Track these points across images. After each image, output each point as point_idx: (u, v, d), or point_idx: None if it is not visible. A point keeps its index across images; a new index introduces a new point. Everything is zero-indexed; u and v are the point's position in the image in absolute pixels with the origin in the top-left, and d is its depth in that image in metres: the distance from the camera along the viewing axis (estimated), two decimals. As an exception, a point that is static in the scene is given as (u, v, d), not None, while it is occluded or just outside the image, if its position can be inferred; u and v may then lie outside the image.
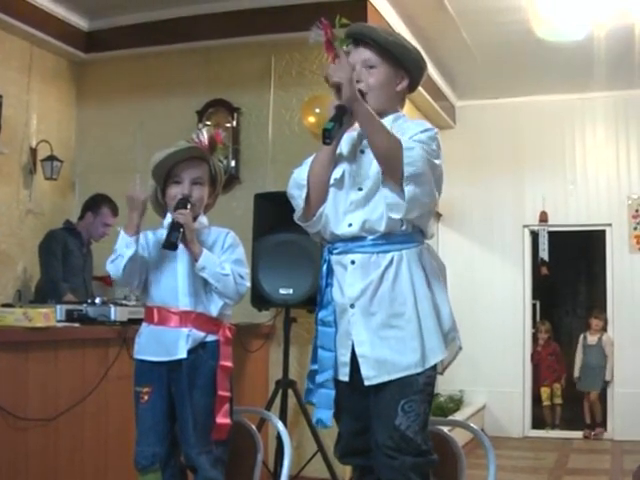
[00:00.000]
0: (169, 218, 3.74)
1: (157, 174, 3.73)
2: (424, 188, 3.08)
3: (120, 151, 7.81)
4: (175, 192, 3.70)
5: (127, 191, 3.73)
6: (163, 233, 3.68)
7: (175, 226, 3.58)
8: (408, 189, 3.04)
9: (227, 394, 3.67)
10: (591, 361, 10.09)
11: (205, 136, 3.78)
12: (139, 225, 3.68)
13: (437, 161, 3.16)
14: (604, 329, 10.10)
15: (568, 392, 10.62)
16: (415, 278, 3.17)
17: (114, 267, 3.65)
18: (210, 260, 3.64)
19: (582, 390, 10.18)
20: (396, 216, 3.11)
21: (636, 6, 7.24)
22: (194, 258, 3.64)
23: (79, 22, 7.68)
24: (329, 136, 3.10)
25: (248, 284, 3.80)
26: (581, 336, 10.41)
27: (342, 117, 3.15)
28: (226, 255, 3.74)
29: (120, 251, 3.63)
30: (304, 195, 3.28)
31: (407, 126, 3.25)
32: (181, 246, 3.63)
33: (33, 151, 7.38)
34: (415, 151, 3.05)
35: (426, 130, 3.20)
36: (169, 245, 3.57)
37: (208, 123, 7.36)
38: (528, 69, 9.11)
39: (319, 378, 3.25)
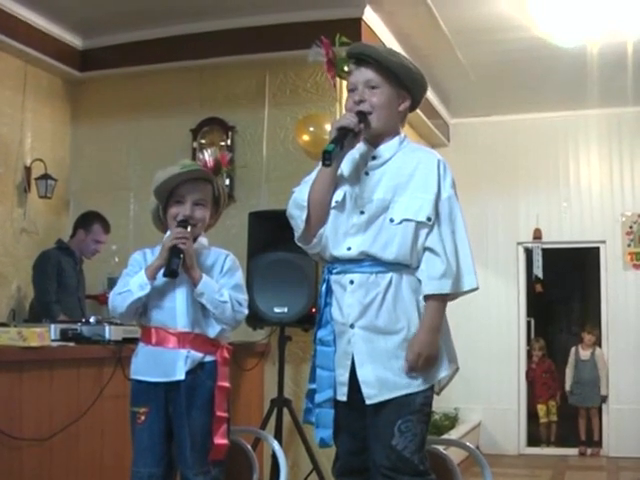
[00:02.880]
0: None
1: (159, 193, 3.70)
2: (459, 269, 3.26)
3: (114, 170, 7.81)
4: (176, 212, 3.67)
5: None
6: None
7: (175, 252, 3.56)
8: (467, 282, 3.31)
9: (225, 414, 3.65)
10: (584, 376, 10.07)
11: (210, 158, 3.77)
12: (158, 272, 3.64)
13: (460, 215, 3.27)
14: (597, 344, 10.11)
15: (563, 409, 10.61)
16: (417, 299, 3.18)
17: (120, 300, 3.62)
18: (209, 286, 3.62)
19: (576, 405, 10.16)
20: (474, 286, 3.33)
21: (627, 25, 7.28)
22: (193, 283, 3.61)
23: (74, 41, 7.68)
24: (329, 158, 3.10)
25: (246, 311, 3.76)
26: (572, 349, 10.40)
27: (344, 139, 3.15)
28: (225, 279, 3.71)
29: (132, 287, 3.60)
30: (304, 216, 3.28)
31: (417, 160, 3.27)
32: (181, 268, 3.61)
33: (27, 170, 7.36)
34: (443, 276, 3.18)
35: (443, 175, 3.26)
36: (170, 273, 3.55)
37: (203, 141, 7.37)
38: (522, 87, 9.14)
39: (318, 398, 3.24)
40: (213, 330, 3.67)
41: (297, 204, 3.32)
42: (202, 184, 3.73)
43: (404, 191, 3.19)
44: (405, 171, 3.22)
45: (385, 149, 3.28)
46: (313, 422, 3.29)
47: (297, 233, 3.34)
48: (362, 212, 3.21)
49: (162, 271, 3.58)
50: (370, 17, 7.03)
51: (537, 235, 10.18)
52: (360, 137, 3.25)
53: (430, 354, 3.13)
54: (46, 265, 6.70)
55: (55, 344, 4.68)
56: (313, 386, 3.30)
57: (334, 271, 3.26)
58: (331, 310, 3.27)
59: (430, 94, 9.06)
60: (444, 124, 10.27)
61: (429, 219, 3.16)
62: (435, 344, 3.16)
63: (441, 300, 3.18)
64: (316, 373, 3.28)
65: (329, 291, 3.28)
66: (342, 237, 3.23)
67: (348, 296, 3.20)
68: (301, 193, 3.32)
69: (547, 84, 8.93)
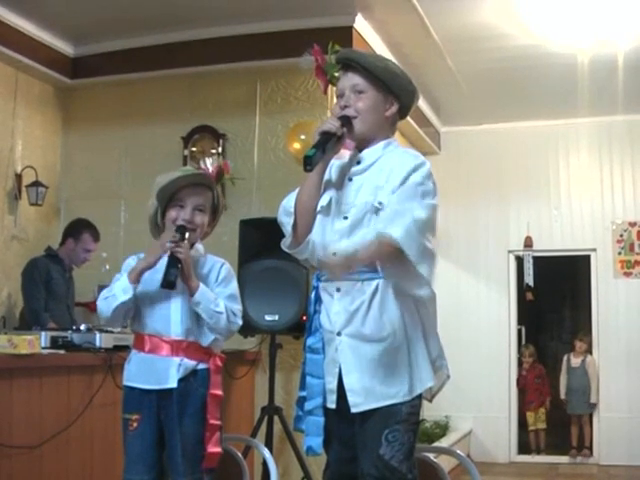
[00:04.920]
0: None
1: (161, 196, 3.69)
2: (428, 250, 3.07)
3: (105, 177, 7.81)
4: (176, 215, 3.67)
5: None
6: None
7: (173, 262, 3.53)
8: (423, 268, 3.05)
9: (218, 422, 3.64)
10: (575, 383, 10.08)
11: (213, 165, 3.77)
12: (142, 275, 3.62)
13: (433, 201, 3.14)
14: (588, 351, 10.11)
15: (553, 416, 10.61)
16: (404, 306, 3.16)
17: (105, 305, 3.61)
18: (206, 296, 3.61)
19: (568, 412, 10.16)
20: (425, 293, 3.12)
21: (618, 35, 7.31)
22: (190, 292, 3.60)
23: (65, 48, 7.68)
24: (310, 163, 3.11)
25: (240, 322, 3.76)
26: (565, 357, 10.41)
27: (325, 144, 3.15)
28: (220, 288, 3.71)
29: (116, 292, 3.59)
30: (292, 222, 3.28)
31: (397, 159, 3.24)
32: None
33: (18, 177, 7.36)
34: (406, 231, 3.02)
35: (419, 167, 3.16)
36: (167, 285, 3.51)
37: (193, 149, 7.37)
38: (512, 95, 9.17)
39: (308, 405, 3.24)
40: (206, 339, 3.67)
41: (285, 211, 3.32)
42: (203, 190, 3.74)
43: (382, 191, 3.16)
44: (385, 172, 3.20)
45: (368, 154, 3.27)
46: (303, 430, 3.28)
47: (286, 240, 3.34)
48: (345, 217, 3.20)
49: (160, 282, 3.54)
50: (361, 25, 7.04)
51: (528, 243, 10.19)
52: (343, 142, 3.25)
53: (348, 262, 3.08)
54: (34, 273, 6.69)
55: (45, 352, 4.67)
56: (303, 394, 3.29)
57: (322, 278, 3.27)
58: (320, 318, 3.27)
59: (421, 102, 9.06)
60: (435, 132, 10.29)
61: (380, 203, 3.13)
62: (354, 260, 3.07)
63: (385, 244, 3.06)
64: (306, 381, 3.27)
65: (318, 298, 3.29)
66: (328, 243, 3.22)
67: (335, 304, 3.20)
68: (289, 200, 3.33)
69: (538, 93, 8.96)
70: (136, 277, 3.60)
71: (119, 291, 3.59)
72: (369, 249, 3.08)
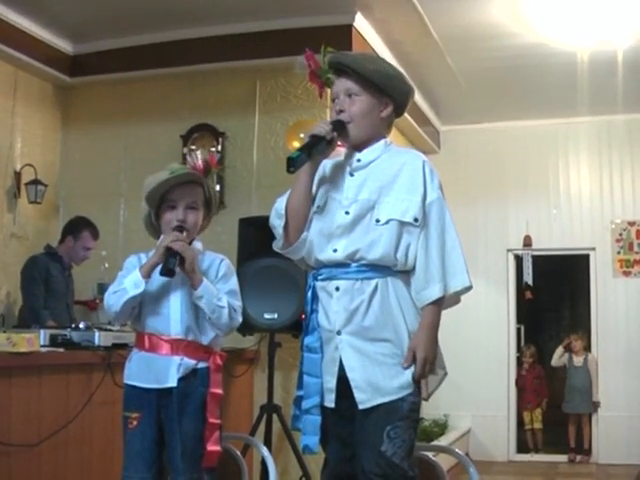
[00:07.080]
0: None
1: (151, 199, 3.69)
2: (447, 262, 3.28)
3: (104, 175, 7.80)
4: (170, 217, 3.67)
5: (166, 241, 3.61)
6: None
7: (172, 253, 3.54)
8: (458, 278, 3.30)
9: (218, 421, 3.64)
10: (577, 383, 10.06)
11: (200, 159, 3.76)
12: (153, 270, 3.63)
13: (448, 216, 3.28)
14: (586, 349, 10.10)
15: (551, 415, 10.60)
16: (403, 304, 3.18)
17: (115, 298, 3.60)
18: (209, 290, 3.61)
19: (568, 412, 10.16)
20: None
21: (617, 33, 7.31)
22: (193, 286, 3.60)
23: (64, 46, 7.68)
24: (293, 165, 3.11)
25: (240, 318, 3.76)
26: (566, 355, 10.40)
27: (312, 148, 3.16)
28: (220, 284, 3.70)
29: (127, 286, 3.59)
30: (283, 224, 3.29)
31: (401, 161, 3.28)
32: (177, 274, 3.61)
33: (17, 175, 7.36)
34: (439, 283, 3.19)
35: (430, 178, 3.25)
36: (167, 272, 3.53)
37: (193, 147, 7.36)
38: (512, 94, 9.17)
39: (305, 404, 3.24)
40: (207, 337, 3.67)
41: (277, 213, 3.34)
42: (193, 187, 3.73)
43: (389, 192, 3.20)
44: (390, 172, 3.24)
45: (370, 151, 3.30)
46: (301, 429, 3.28)
47: (277, 242, 3.35)
48: (347, 212, 3.21)
49: (159, 270, 3.56)
50: (361, 24, 7.04)
51: (527, 242, 10.19)
52: (334, 145, 3.26)
53: (433, 357, 3.16)
54: (34, 271, 6.68)
55: (44, 350, 4.67)
56: (301, 393, 3.29)
57: (319, 277, 3.27)
58: (317, 317, 3.27)
59: (421, 101, 9.07)
60: (434, 131, 10.29)
61: (416, 220, 3.17)
62: (435, 346, 3.18)
63: (434, 304, 3.18)
64: (303, 380, 3.27)
65: (315, 297, 3.28)
66: (327, 239, 3.23)
67: (334, 303, 3.20)
68: (281, 203, 3.34)
69: (537, 91, 8.96)
70: (147, 272, 3.60)
71: (130, 285, 3.59)
72: (431, 334, 3.18)
